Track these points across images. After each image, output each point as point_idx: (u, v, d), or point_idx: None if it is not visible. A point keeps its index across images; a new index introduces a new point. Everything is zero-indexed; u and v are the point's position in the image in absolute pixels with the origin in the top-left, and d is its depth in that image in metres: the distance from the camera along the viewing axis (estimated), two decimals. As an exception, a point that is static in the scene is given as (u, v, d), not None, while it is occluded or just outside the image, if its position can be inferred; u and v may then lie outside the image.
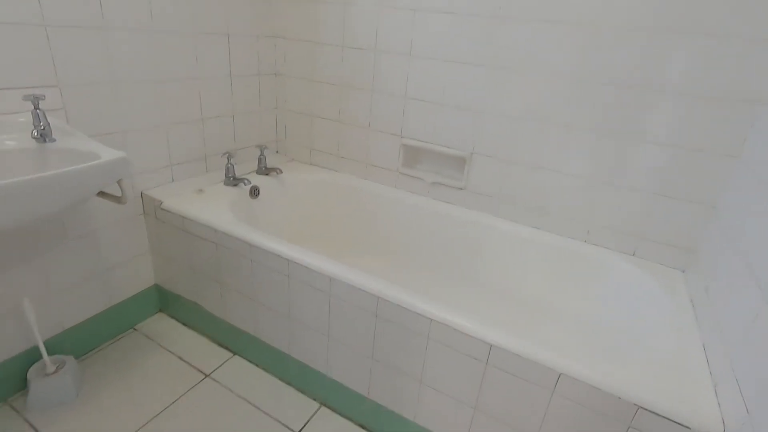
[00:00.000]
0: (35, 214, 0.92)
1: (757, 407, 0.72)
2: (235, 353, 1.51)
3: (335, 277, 1.15)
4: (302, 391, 1.37)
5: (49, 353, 1.28)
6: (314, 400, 1.35)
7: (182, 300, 1.57)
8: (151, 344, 1.51)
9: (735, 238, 1.05)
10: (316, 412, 1.31)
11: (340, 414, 1.31)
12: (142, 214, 1.50)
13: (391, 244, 1.80)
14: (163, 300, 1.65)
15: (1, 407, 1.23)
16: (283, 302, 1.29)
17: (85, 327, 1.41)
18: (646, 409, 0.83)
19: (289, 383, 1.40)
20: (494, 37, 1.41)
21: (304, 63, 1.81)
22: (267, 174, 1.78)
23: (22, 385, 1.28)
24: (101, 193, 1.16)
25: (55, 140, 1.10)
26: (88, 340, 1.44)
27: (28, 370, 1.25)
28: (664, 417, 0.82)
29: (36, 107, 1.06)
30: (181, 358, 1.46)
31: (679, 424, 0.81)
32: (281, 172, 1.79)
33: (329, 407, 1.33)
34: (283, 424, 1.27)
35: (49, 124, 1.08)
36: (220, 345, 1.54)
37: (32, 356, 1.28)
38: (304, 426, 1.27)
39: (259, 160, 1.77)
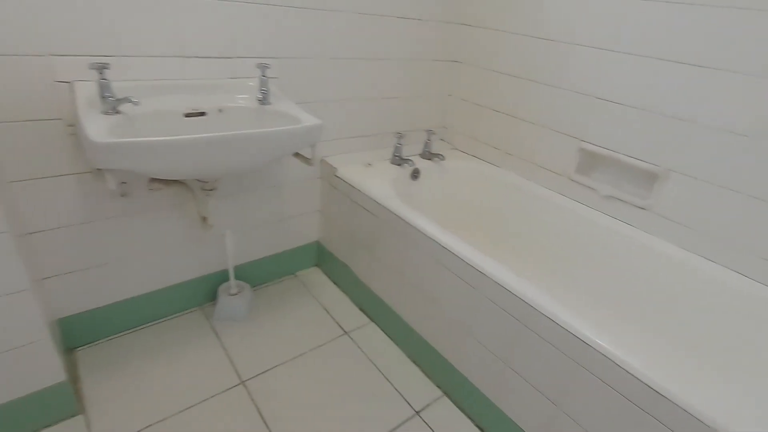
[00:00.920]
0: (252, 162, 1.10)
1: None
2: (371, 319, 1.61)
3: (487, 273, 1.12)
4: (427, 375, 1.40)
5: (235, 278, 1.56)
6: (438, 387, 1.37)
7: (336, 260, 1.74)
8: (305, 292, 1.72)
9: None
10: (438, 399, 1.33)
11: (461, 410, 1.30)
12: (319, 178, 1.69)
13: (548, 255, 1.66)
14: (320, 256, 1.84)
15: (196, 311, 1.55)
16: (428, 284, 1.32)
17: (262, 263, 1.68)
18: None
19: (415, 362, 1.44)
20: (737, 33, 1.15)
21: (485, 52, 1.78)
22: (429, 159, 1.82)
23: (213, 297, 1.59)
24: (296, 153, 1.33)
25: (270, 103, 1.29)
26: (262, 275, 1.71)
27: (218, 287, 1.55)
28: None
29: (263, 74, 1.26)
30: (327, 311, 1.63)
31: None
32: (443, 159, 1.81)
33: (451, 399, 1.33)
34: (404, 398, 1.31)
35: (269, 89, 1.28)
36: (361, 309, 1.66)
37: (223, 277, 1.58)
38: (424, 408, 1.29)
39: (425, 143, 1.82)
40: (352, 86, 1.60)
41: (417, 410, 1.28)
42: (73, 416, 1.15)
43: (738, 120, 1.18)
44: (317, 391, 1.31)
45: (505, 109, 1.77)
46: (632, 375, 0.86)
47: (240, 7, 1.24)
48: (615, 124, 1.44)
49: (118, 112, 1.04)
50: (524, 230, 1.73)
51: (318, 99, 1.53)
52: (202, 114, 1.19)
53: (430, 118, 1.96)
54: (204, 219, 1.33)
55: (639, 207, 1.44)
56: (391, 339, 1.53)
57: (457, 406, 1.31)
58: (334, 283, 1.78)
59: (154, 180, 1.24)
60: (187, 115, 1.17)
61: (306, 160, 1.32)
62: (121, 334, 1.41)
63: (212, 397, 1.25)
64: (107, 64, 1.01)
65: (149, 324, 1.46)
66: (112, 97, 1.02)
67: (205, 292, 1.56)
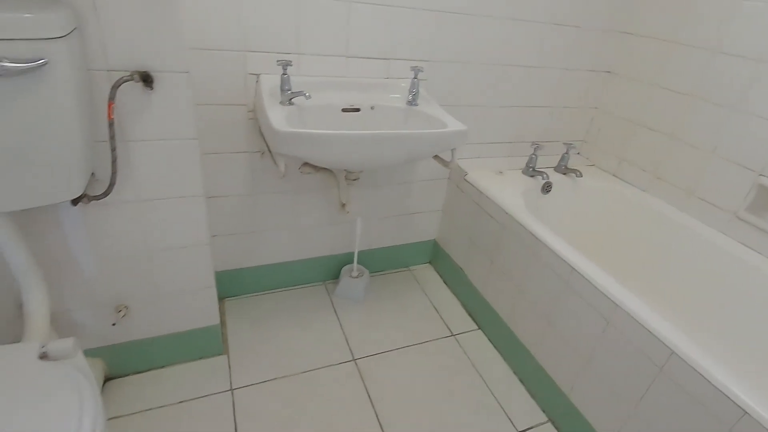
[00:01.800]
0: (398, 159, 1.17)
1: None
2: (479, 327, 1.60)
3: (622, 305, 1.04)
4: (533, 396, 1.35)
5: (357, 262, 1.68)
6: (543, 411, 1.31)
7: (450, 261, 1.76)
8: (416, 287, 1.77)
9: None
10: (542, 425, 1.28)
11: (567, 441, 1.24)
12: (447, 179, 1.72)
13: (693, 302, 1.46)
14: (435, 255, 1.88)
15: (320, 285, 1.71)
16: (548, 304, 1.27)
17: (382, 252, 1.78)
18: None
19: (522, 381, 1.40)
20: None
21: (647, 63, 1.61)
22: (564, 173, 1.72)
23: (336, 275, 1.73)
24: (435, 155, 1.38)
25: (417, 104, 1.35)
26: (380, 263, 1.81)
27: (342, 268, 1.69)
28: None
29: (415, 76, 1.33)
30: (436, 309, 1.66)
31: None
32: (580, 176, 1.70)
33: (558, 429, 1.27)
34: (506, 414, 1.29)
35: (418, 91, 1.34)
36: (469, 314, 1.66)
37: (347, 259, 1.71)
38: (527, 431, 1.26)
39: (562, 157, 1.73)
40: (496, 92, 1.59)
41: (519, 431, 1.25)
42: (218, 355, 1.36)
43: None
44: (421, 384, 1.35)
45: (663, 127, 1.59)
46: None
47: (400, 11, 1.31)
48: (813, 160, 1.21)
49: (291, 104, 1.19)
50: (666, 268, 1.55)
51: (460, 102, 1.55)
52: (356, 110, 1.29)
53: (571, 130, 1.85)
54: (343, 205, 1.46)
55: (831, 263, 1.19)
56: (498, 351, 1.51)
57: (563, 438, 1.25)
58: (445, 283, 1.81)
59: (306, 164, 1.39)
60: (344, 110, 1.29)
61: (444, 163, 1.35)
62: (260, 293, 1.62)
63: (328, 366, 1.37)
64: (290, 61, 1.16)
65: (282, 289, 1.66)
66: (290, 90, 1.17)
67: (330, 270, 1.71)
